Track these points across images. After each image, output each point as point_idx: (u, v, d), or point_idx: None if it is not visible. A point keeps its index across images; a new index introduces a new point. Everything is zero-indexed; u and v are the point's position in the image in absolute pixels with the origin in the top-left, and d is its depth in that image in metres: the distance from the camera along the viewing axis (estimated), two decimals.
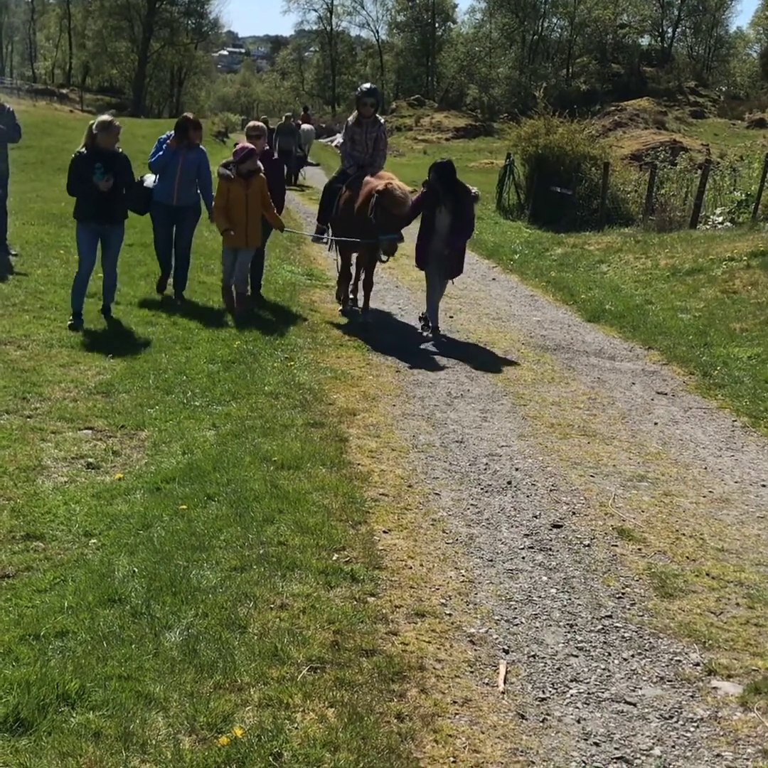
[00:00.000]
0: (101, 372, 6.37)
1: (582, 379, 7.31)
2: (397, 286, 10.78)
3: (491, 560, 4.14)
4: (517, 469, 5.26)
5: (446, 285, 8.75)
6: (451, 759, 2.82)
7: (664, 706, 3.17)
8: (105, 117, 7.67)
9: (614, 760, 2.88)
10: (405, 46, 69.78)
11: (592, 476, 5.25)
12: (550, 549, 4.30)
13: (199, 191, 8.63)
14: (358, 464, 5.11)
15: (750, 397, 6.86)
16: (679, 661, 3.45)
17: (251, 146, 8.26)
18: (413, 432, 5.77)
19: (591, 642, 3.54)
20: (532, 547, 4.30)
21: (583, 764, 2.86)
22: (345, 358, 7.37)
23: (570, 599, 3.84)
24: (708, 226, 15.07)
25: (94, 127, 7.35)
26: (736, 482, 5.34)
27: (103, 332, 7.38)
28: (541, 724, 3.03)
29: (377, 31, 73.54)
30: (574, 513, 4.72)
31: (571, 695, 3.19)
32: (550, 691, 3.21)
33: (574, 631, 3.60)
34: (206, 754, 2.70)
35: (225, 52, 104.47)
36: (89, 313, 7.57)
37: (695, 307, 9.89)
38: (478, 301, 10.27)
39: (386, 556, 4.06)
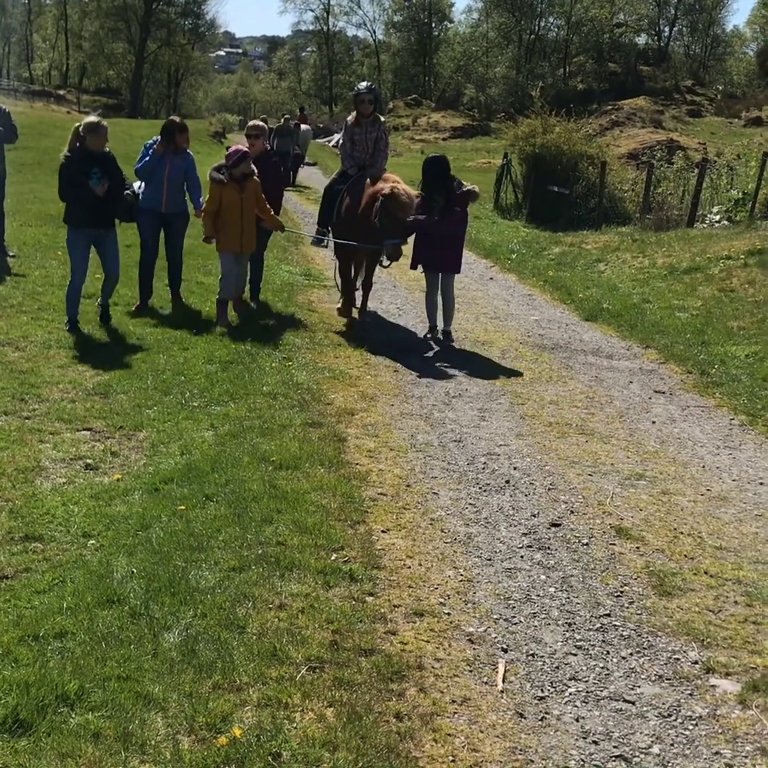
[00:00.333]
0: (99, 373, 6.37)
1: (580, 378, 7.31)
2: (395, 286, 10.78)
3: (490, 559, 4.14)
4: (515, 468, 5.27)
5: (452, 286, 8.45)
6: (450, 758, 2.82)
7: (663, 704, 3.18)
8: (92, 118, 7.42)
9: (613, 758, 2.89)
10: (402, 46, 69.83)
11: (590, 475, 5.25)
12: (549, 548, 4.30)
13: (187, 197, 8.42)
14: (357, 464, 5.11)
15: (747, 396, 6.87)
16: (678, 659, 3.45)
17: (244, 149, 7.94)
18: (411, 431, 5.77)
19: (589, 640, 3.54)
20: (530, 546, 4.30)
21: (582, 762, 2.86)
22: (343, 357, 7.37)
23: (568, 598, 3.84)
24: (705, 225, 15.10)
25: (81, 129, 7.12)
26: (733, 480, 5.35)
27: (100, 333, 7.39)
28: (539, 723, 3.03)
29: (374, 31, 73.81)
30: (572, 512, 4.72)
31: (570, 694, 3.20)
32: (548, 690, 3.21)
33: (573, 630, 3.60)
34: (205, 754, 2.70)
35: (222, 53, 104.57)
36: (87, 314, 7.56)
37: (693, 305, 9.89)
38: (476, 301, 10.26)
39: (385, 556, 4.07)
